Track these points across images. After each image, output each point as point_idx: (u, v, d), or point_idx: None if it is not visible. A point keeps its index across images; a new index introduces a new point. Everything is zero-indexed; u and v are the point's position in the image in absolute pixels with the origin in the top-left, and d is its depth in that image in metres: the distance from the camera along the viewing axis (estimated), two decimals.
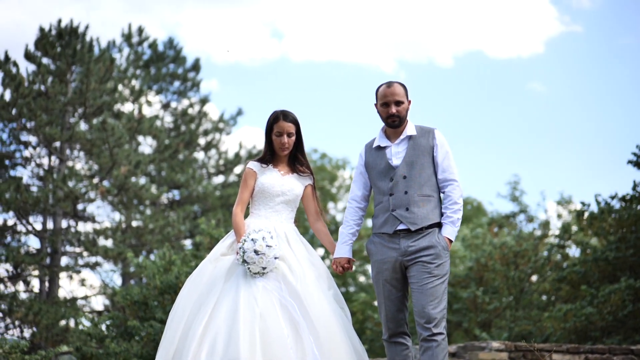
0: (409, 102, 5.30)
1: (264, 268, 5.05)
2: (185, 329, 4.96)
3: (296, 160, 5.50)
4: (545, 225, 13.92)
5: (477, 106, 38.33)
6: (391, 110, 5.22)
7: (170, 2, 36.99)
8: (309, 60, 41.12)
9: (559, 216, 16.93)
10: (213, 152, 26.23)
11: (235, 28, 39.56)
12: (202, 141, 25.63)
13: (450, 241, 5.15)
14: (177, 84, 25.85)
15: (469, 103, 38.55)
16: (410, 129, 5.29)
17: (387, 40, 41.49)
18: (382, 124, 5.36)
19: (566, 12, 39.73)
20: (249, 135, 40.88)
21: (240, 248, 5.10)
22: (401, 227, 5.12)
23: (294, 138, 5.42)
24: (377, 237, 5.25)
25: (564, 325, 11.28)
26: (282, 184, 5.38)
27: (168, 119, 25.85)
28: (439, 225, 5.18)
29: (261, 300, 4.93)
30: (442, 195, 5.26)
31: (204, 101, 25.75)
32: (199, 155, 25.84)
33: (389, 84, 5.27)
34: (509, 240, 12.76)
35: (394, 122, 5.25)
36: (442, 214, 5.21)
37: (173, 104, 25.92)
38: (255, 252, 5.03)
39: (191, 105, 25.80)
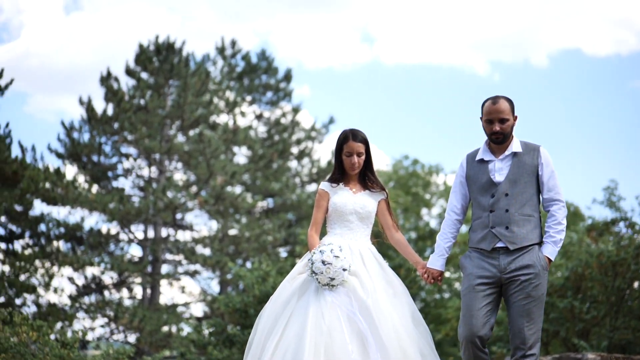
0: (515, 118, 5.22)
1: (331, 279, 5.09)
2: (262, 348, 5.11)
3: (366, 177, 5.50)
4: None
5: (574, 107, 37.45)
6: (495, 127, 5.14)
7: (262, 11, 37.54)
8: (400, 63, 40.87)
9: None
10: (306, 160, 26.63)
11: (326, 33, 39.89)
12: (295, 150, 26.05)
13: (550, 260, 5.09)
14: (269, 94, 26.37)
15: (565, 104, 37.67)
16: (515, 145, 5.20)
17: (480, 40, 40.77)
18: (486, 138, 5.28)
19: None
20: None
21: (309, 260, 5.19)
22: (499, 244, 5.05)
23: (363, 157, 5.43)
24: (474, 251, 5.18)
25: None
26: (355, 202, 5.41)
27: (262, 129, 26.38)
28: (537, 245, 5.10)
29: (328, 316, 4.97)
30: (547, 214, 5.20)
31: (296, 110, 26.18)
32: (292, 163, 26.27)
33: (495, 100, 5.18)
34: (608, 248, 12.55)
35: (497, 139, 5.17)
36: (541, 235, 5.14)
37: (266, 114, 26.46)
38: (323, 262, 5.09)
39: (284, 114, 26.27)
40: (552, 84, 38.33)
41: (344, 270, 5.11)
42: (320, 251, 5.17)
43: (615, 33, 39.11)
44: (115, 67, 36.87)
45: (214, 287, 23.59)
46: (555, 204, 5.16)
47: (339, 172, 5.49)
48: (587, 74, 37.59)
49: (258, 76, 26.31)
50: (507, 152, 5.19)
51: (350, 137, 5.41)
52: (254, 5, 36.56)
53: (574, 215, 24.89)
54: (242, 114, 25.77)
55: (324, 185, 5.50)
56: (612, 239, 13.14)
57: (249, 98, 26.05)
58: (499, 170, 5.17)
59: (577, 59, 38.02)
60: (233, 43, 26.25)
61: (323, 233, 5.56)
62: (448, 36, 40.35)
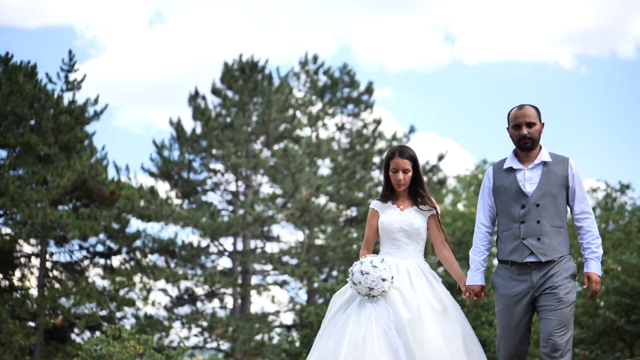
0: (542, 124, 5.10)
1: (370, 289, 5.05)
2: None
3: (417, 194, 5.39)
4: None
5: None
6: (523, 131, 5.00)
7: (342, 15, 37.53)
8: (483, 60, 40.05)
9: None
10: None
11: (407, 34, 39.69)
12: (376, 160, 26.49)
13: (600, 277, 4.99)
14: (351, 106, 26.88)
15: None
16: (544, 155, 5.07)
17: (564, 33, 39.43)
18: (514, 147, 5.15)
19: None
20: (424, 143, 40.84)
21: (350, 271, 5.22)
22: (531, 258, 4.95)
23: (410, 174, 5.36)
24: (504, 268, 5.08)
25: None
26: (401, 220, 5.33)
27: (344, 140, 26.89)
28: (567, 256, 5.01)
29: (364, 327, 4.96)
30: (579, 228, 5.09)
31: (378, 122, 26.62)
32: (375, 173, 26.71)
33: (520, 106, 5.07)
34: None
35: (525, 145, 5.02)
36: (569, 246, 5.04)
37: (348, 125, 26.96)
38: (361, 272, 5.09)
39: (365, 125, 26.75)
40: None
41: (383, 280, 5.07)
42: (360, 262, 5.19)
43: None
44: (199, 76, 37.77)
45: (302, 296, 24.24)
46: (588, 218, 5.06)
47: (387, 189, 5.43)
48: None
49: (340, 89, 26.84)
50: (536, 162, 5.06)
51: (397, 154, 5.34)
52: (333, 10, 36.75)
53: None
54: (325, 125, 26.35)
55: (374, 203, 5.46)
56: None
57: (330, 110, 26.62)
58: (529, 179, 5.04)
59: None
60: (315, 58, 26.88)
61: (377, 252, 5.53)
62: (530, 31, 39.43)
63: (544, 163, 5.05)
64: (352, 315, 5.06)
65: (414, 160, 5.38)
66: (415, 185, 5.40)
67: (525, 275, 4.97)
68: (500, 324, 5.05)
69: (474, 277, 5.20)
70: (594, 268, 4.99)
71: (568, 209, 5.15)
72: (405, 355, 4.87)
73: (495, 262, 5.45)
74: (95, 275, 20.16)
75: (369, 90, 26.79)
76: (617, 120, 37.57)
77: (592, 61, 38.58)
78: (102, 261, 20.60)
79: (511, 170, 5.10)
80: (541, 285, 4.92)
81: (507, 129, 5.14)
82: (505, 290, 5.01)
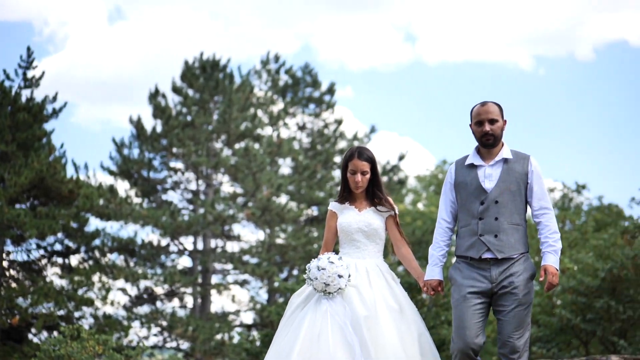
0: (504, 121, 5.13)
1: (326, 285, 5.09)
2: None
3: (374, 195, 5.41)
4: None
5: (621, 99, 36.55)
6: (485, 128, 5.04)
7: (304, 13, 37.56)
8: (444, 61, 40.51)
9: None
10: None
11: (368, 34, 39.85)
12: (337, 159, 26.57)
13: (557, 270, 4.98)
14: (312, 106, 26.93)
15: (612, 96, 36.83)
16: (506, 152, 5.10)
17: (523, 35, 39.90)
18: (476, 144, 5.17)
19: None
20: (385, 142, 40.99)
21: (307, 267, 5.23)
22: (488, 255, 4.97)
23: (368, 176, 5.36)
24: (462, 262, 5.09)
25: None
26: (359, 220, 5.35)
27: (305, 140, 26.93)
28: (525, 254, 5.04)
29: (320, 323, 5.00)
30: (538, 224, 5.11)
31: (339, 122, 26.70)
32: (336, 172, 26.80)
33: (483, 103, 5.10)
34: None
35: (488, 141, 5.06)
36: (527, 244, 5.07)
37: (309, 125, 27.00)
38: (318, 268, 5.12)
39: (326, 125, 26.81)
40: (599, 77, 37.68)
41: (340, 276, 5.10)
42: (318, 258, 5.22)
43: None
44: (159, 74, 37.53)
45: (263, 296, 24.24)
46: (547, 213, 5.07)
47: (345, 190, 5.45)
48: (634, 66, 36.82)
49: (302, 89, 26.89)
50: (497, 158, 5.09)
51: (355, 156, 5.35)
52: (295, 8, 36.77)
53: (617, 216, 24.99)
54: (286, 125, 26.38)
55: (332, 205, 5.50)
56: None
57: (292, 110, 26.65)
58: (489, 176, 5.06)
59: (623, 51, 37.08)
60: (277, 57, 26.88)
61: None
62: (491, 32, 39.90)
63: (505, 160, 5.08)
64: (309, 313, 5.08)
65: (372, 162, 5.38)
66: (372, 187, 5.41)
67: (484, 271, 4.99)
68: (456, 314, 5.02)
69: (432, 272, 5.20)
70: (551, 261, 4.99)
71: (528, 207, 5.15)
72: (361, 351, 4.90)
73: (454, 259, 5.41)
74: (53, 275, 19.92)
75: (331, 90, 26.88)
76: (574, 120, 38.12)
77: (550, 62, 39.12)
78: (60, 260, 20.36)
79: (472, 166, 5.12)
80: (500, 283, 4.94)
81: (470, 125, 5.17)
82: (463, 281, 5.02)
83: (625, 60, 37.09)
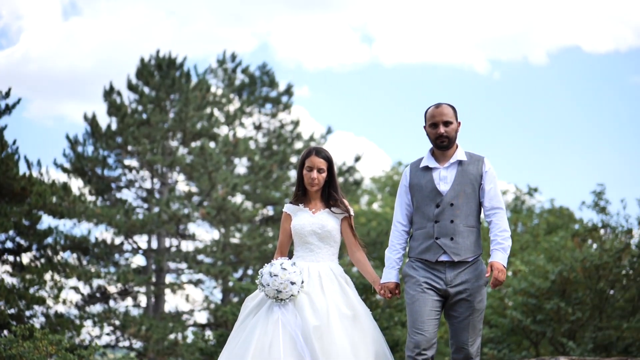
0: (459, 123, 5.11)
1: (278, 292, 5.02)
2: None
3: (330, 197, 5.37)
4: (628, 233, 14.18)
5: (574, 104, 37.24)
6: (439, 130, 5.02)
7: (261, 12, 37.54)
8: (400, 62, 40.93)
9: None
10: None
11: (325, 34, 40.02)
12: (294, 159, 26.62)
13: (504, 267, 4.96)
14: (269, 106, 26.94)
15: (565, 101, 37.46)
16: (460, 154, 5.08)
17: (479, 39, 40.56)
18: (431, 146, 5.15)
19: None
20: (341, 142, 41.14)
21: (259, 272, 5.17)
22: (444, 257, 4.97)
23: (324, 174, 5.33)
24: (417, 261, 5.06)
25: None
26: (312, 222, 5.30)
27: (261, 139, 26.94)
28: (480, 257, 5.06)
29: (271, 332, 4.94)
30: (489, 223, 5.10)
31: (296, 123, 26.75)
32: (292, 173, 26.85)
33: (437, 105, 5.07)
34: (591, 252, 13.14)
35: (442, 143, 5.04)
36: (481, 246, 5.08)
37: (265, 125, 27.01)
38: (270, 274, 5.06)
39: (282, 126, 26.85)
40: (552, 81, 38.36)
41: (292, 283, 5.03)
42: (271, 264, 5.15)
43: (614, 29, 38.91)
44: (114, 71, 37.20)
45: (217, 295, 24.19)
46: (497, 212, 5.05)
47: (299, 189, 5.40)
48: (587, 71, 37.51)
49: (258, 88, 26.89)
50: (452, 160, 5.07)
51: (313, 153, 5.33)
52: (252, 7, 36.74)
53: (568, 219, 25.43)
54: (242, 124, 26.35)
55: (287, 207, 5.45)
56: (595, 245, 13.75)
57: (248, 109, 26.63)
58: (444, 179, 5.05)
59: (576, 56, 37.81)
60: (233, 56, 26.83)
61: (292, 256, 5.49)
62: (447, 35, 40.40)
63: (459, 162, 5.06)
64: (260, 321, 5.04)
65: (329, 161, 5.36)
66: (328, 188, 5.38)
67: (439, 272, 4.98)
68: (410, 311, 4.99)
69: (389, 275, 5.16)
70: (499, 258, 4.97)
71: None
72: (311, 358, 4.85)
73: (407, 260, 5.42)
74: (3, 273, 19.64)
75: (288, 91, 26.91)
76: (528, 124, 38.69)
77: (505, 66, 39.71)
78: (11, 258, 20.08)
79: (427, 169, 5.10)
80: (455, 286, 4.95)
81: (424, 127, 5.14)
82: (418, 277, 4.99)
83: (577, 66, 37.82)
